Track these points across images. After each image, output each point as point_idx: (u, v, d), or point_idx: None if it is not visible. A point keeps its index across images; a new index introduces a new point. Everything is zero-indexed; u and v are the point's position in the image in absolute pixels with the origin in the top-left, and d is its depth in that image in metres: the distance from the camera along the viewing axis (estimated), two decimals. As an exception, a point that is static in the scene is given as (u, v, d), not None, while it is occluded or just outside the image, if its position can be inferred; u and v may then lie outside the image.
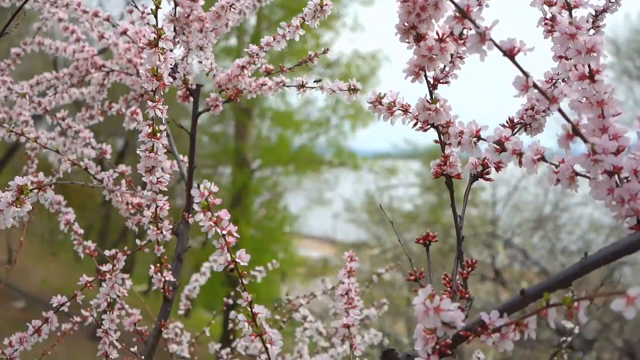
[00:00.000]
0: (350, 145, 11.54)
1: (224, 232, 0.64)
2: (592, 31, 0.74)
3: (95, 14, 1.11)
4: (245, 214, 10.66)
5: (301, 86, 0.96)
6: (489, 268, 6.61)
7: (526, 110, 0.71)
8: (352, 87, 0.87)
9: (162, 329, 1.01)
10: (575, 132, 0.53)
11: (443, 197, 9.98)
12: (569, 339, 1.11)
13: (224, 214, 0.64)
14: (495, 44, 0.52)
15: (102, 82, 1.21)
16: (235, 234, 0.64)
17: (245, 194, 10.73)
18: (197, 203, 0.62)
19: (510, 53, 0.52)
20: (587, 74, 0.55)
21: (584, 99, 0.56)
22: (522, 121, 0.71)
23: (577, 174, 0.56)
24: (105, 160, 1.14)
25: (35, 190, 0.68)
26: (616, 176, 0.54)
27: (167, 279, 0.99)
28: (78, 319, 1.15)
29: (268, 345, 0.66)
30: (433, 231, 0.71)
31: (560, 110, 0.53)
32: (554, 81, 0.71)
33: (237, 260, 0.65)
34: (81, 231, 1.12)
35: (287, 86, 0.98)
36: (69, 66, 1.27)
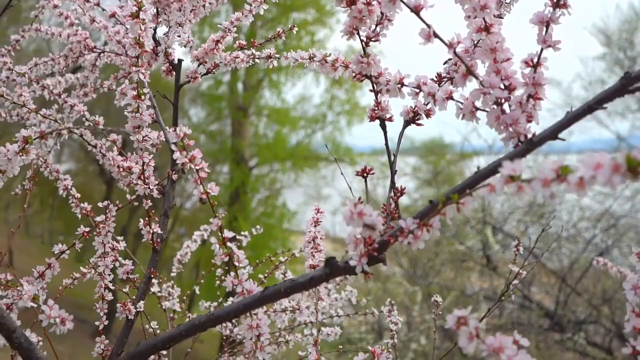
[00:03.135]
0: (347, 141, 11.67)
1: (198, 167, 0.77)
2: (507, -1, 0.87)
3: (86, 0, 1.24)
4: (243, 211, 10.78)
5: (269, 57, 1.09)
6: (484, 257, 6.76)
7: (452, 65, 0.84)
8: (311, 56, 0.99)
9: (152, 276, 1.14)
10: (469, 72, 0.66)
11: (440, 191, 10.12)
12: (515, 282, 1.24)
13: (197, 153, 0.77)
14: (404, 3, 0.65)
15: (94, 63, 1.34)
16: (207, 169, 0.77)
17: (243, 192, 10.85)
18: (173, 143, 0.75)
19: (416, 9, 0.65)
20: (483, 27, 0.68)
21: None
22: (447, 75, 0.84)
23: (477, 108, 0.69)
24: (97, 131, 1.27)
25: (38, 140, 0.81)
26: (507, 107, 0.68)
27: (155, 231, 1.12)
28: (77, 275, 1.28)
29: (236, 263, 0.79)
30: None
31: (456, 55, 0.66)
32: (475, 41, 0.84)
33: (209, 190, 0.78)
34: (78, 195, 1.25)
35: (258, 58, 1.11)
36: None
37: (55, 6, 1.34)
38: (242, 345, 1.46)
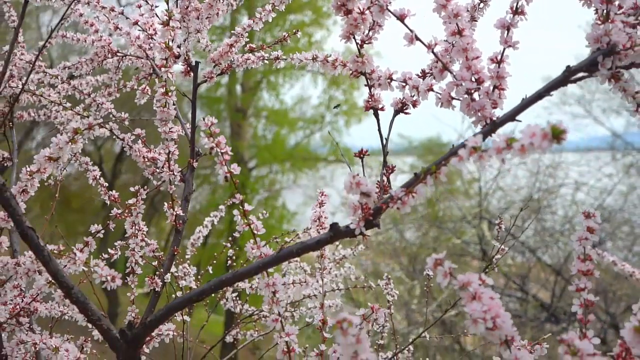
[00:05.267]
0: (346, 142, 11.81)
1: (222, 150, 0.92)
2: (482, 4, 1.02)
3: (112, 9, 1.39)
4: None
5: (277, 58, 1.24)
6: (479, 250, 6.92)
7: (433, 62, 0.99)
8: (314, 57, 1.15)
9: (175, 254, 1.29)
10: (444, 68, 0.81)
11: (438, 190, 10.28)
12: (498, 256, 1.39)
13: (222, 139, 0.92)
14: (391, 12, 0.80)
15: (118, 65, 1.49)
16: (230, 152, 0.92)
17: (243, 193, 10.97)
18: (202, 131, 0.90)
19: (401, 18, 0.80)
20: (457, 31, 0.83)
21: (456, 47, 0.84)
22: (430, 72, 0.98)
23: (452, 97, 0.84)
24: (123, 126, 1.42)
25: (87, 130, 0.95)
26: (476, 96, 0.83)
27: (177, 213, 1.27)
28: (106, 256, 1.43)
29: (255, 232, 0.94)
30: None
31: (434, 54, 0.81)
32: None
33: (232, 170, 0.93)
34: (106, 184, 1.40)
35: (266, 60, 1.26)
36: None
37: (81, 14, 1.49)
38: (250, 318, 1.61)
